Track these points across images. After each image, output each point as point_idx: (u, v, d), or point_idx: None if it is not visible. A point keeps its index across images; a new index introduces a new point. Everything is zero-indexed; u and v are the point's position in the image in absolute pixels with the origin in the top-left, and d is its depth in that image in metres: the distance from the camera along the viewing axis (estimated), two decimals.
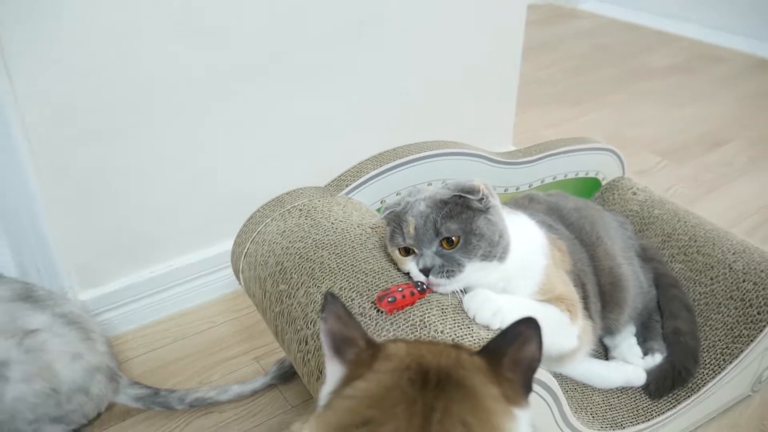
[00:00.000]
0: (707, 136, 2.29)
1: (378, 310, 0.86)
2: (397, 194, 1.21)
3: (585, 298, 1.07)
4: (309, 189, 1.14)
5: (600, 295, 1.13)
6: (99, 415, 1.24)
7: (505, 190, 1.33)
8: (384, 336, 0.83)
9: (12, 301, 1.15)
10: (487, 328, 0.85)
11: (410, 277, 0.91)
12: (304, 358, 0.91)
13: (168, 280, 1.45)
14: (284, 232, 1.05)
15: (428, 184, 1.23)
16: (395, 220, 0.92)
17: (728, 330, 1.17)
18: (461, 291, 0.90)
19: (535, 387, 0.81)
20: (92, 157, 1.27)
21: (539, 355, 0.55)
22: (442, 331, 0.82)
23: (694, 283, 1.26)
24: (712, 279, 1.23)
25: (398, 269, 0.94)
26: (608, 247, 1.17)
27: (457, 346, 0.57)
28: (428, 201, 0.90)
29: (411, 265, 0.90)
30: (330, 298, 0.56)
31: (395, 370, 0.50)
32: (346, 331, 0.56)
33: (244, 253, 1.09)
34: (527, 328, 0.54)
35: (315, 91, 1.47)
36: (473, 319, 0.86)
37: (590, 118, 2.42)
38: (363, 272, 0.93)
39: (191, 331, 1.45)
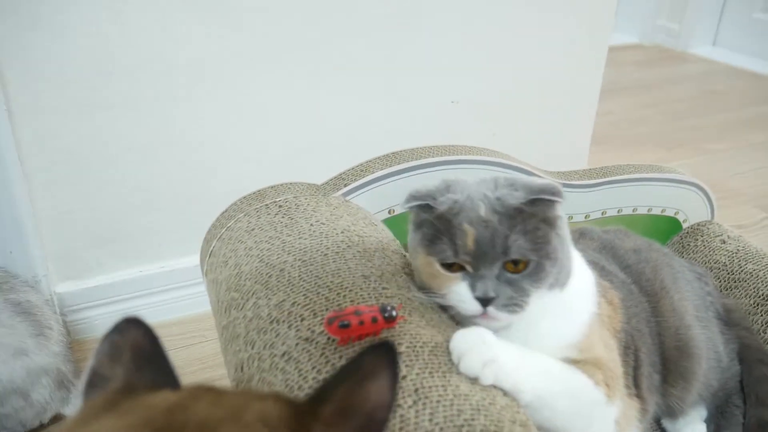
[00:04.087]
0: None
1: (328, 337, 0.63)
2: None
3: (636, 368, 0.80)
4: (299, 185, 0.94)
5: (662, 362, 0.85)
6: (42, 426, 1.07)
7: None
8: (322, 372, 0.60)
9: None
10: (473, 381, 0.61)
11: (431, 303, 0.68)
12: (237, 387, 0.70)
13: (160, 282, 1.29)
14: (253, 229, 0.85)
15: None
16: (440, 221, 0.67)
17: None
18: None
19: None
20: (80, 131, 1.13)
21: (390, 398, 0.38)
22: (403, 377, 0.59)
23: None
24: None
25: (400, 287, 0.71)
26: (675, 301, 0.89)
27: (272, 396, 0.37)
28: (493, 204, 0.65)
29: (460, 288, 0.65)
30: (125, 324, 0.42)
31: (130, 426, 0.33)
32: (109, 368, 0.40)
33: (209, 252, 0.90)
34: (374, 358, 0.38)
35: (345, 84, 1.29)
36: (457, 365, 0.61)
37: (683, 163, 2.11)
38: (327, 287, 0.71)
39: (178, 344, 1.28)
